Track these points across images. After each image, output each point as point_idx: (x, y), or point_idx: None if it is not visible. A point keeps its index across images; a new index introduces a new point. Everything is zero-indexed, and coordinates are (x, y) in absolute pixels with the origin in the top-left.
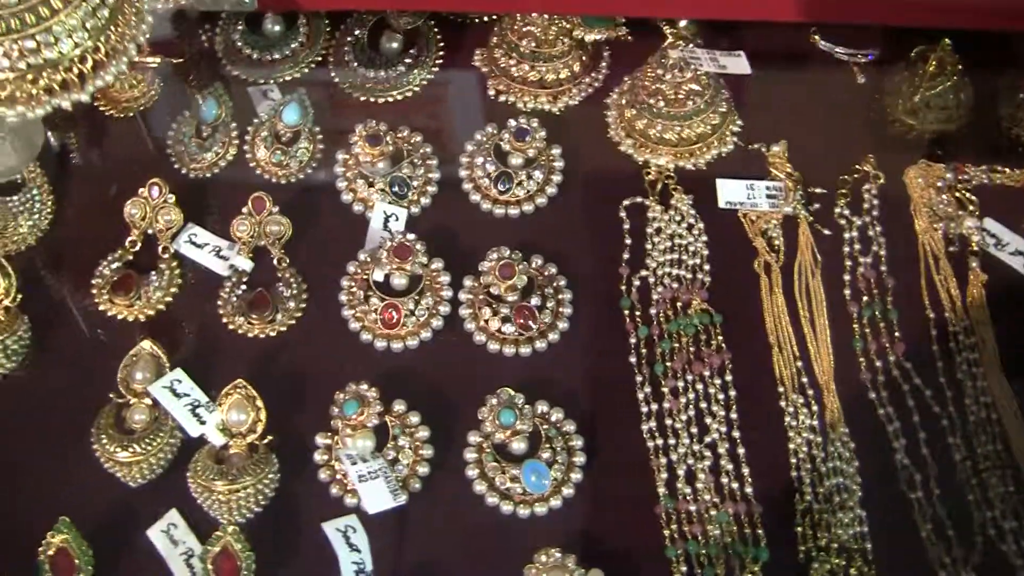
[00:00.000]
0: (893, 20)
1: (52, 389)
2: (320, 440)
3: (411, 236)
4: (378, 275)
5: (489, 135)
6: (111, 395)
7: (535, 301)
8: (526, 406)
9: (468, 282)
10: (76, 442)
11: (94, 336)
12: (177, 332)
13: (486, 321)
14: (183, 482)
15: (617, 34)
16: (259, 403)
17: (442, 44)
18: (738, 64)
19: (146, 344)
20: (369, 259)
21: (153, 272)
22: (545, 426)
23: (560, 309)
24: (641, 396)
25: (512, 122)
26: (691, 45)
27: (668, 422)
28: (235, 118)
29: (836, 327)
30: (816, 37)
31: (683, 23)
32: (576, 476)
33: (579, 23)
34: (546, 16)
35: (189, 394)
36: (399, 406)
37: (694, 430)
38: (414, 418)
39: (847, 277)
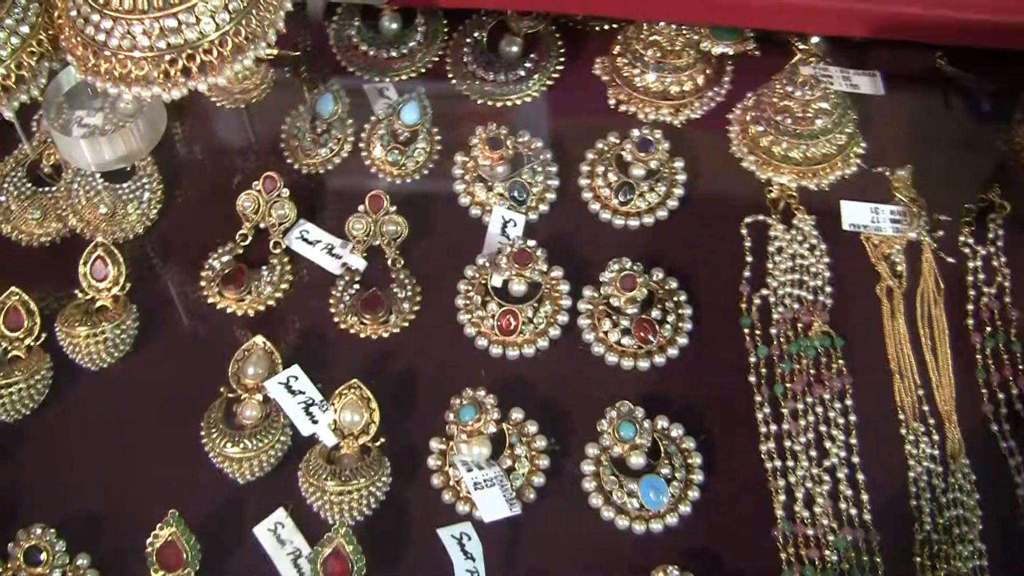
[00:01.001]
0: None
1: (159, 380)
2: (435, 445)
3: (531, 242)
4: (496, 280)
5: (611, 145)
6: (222, 389)
7: (655, 314)
8: (645, 420)
9: (588, 292)
10: (184, 435)
11: (202, 329)
12: (286, 329)
13: (605, 332)
14: (290, 481)
15: (745, 48)
16: (373, 404)
17: (562, 51)
18: (872, 84)
19: (259, 339)
20: (488, 264)
21: (264, 267)
22: (665, 442)
23: (680, 324)
24: (760, 416)
25: (635, 132)
26: (822, 63)
27: (787, 444)
28: (350, 115)
29: (958, 357)
30: (942, 62)
31: (814, 40)
32: (694, 494)
33: (707, 34)
34: (673, 26)
35: (304, 392)
36: (517, 414)
37: (813, 453)
38: (532, 427)
39: (970, 307)
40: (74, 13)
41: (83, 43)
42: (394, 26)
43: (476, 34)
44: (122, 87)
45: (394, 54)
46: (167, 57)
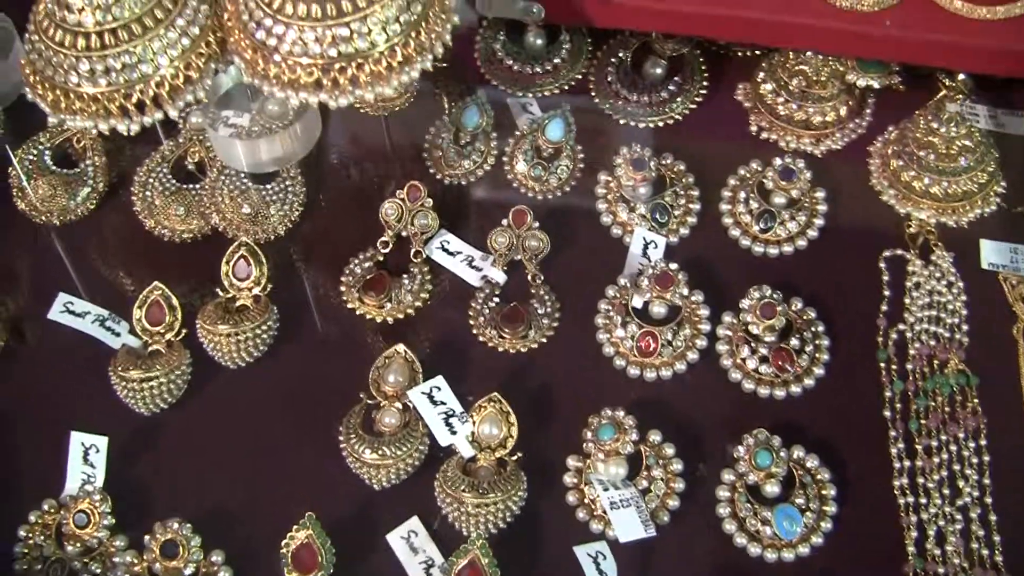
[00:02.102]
0: None
1: (297, 381)
2: (571, 462)
3: (674, 265)
4: (637, 301)
5: (753, 171)
6: (362, 395)
7: (794, 344)
8: (782, 450)
9: (727, 318)
10: (320, 438)
11: (340, 333)
12: (424, 338)
13: (743, 359)
14: (424, 490)
15: (891, 82)
16: (512, 418)
17: (706, 74)
18: (1019, 125)
19: (400, 347)
20: (629, 284)
21: (404, 275)
22: (800, 471)
23: (817, 355)
24: (894, 451)
25: (778, 161)
26: (968, 100)
27: (920, 480)
28: (493, 128)
29: None
30: None
31: (961, 76)
32: (827, 525)
33: (853, 66)
34: (820, 56)
35: (445, 403)
36: (655, 436)
37: (946, 491)
38: (669, 450)
39: None
40: (245, 17)
41: (252, 47)
42: (539, 42)
43: (620, 54)
44: (290, 92)
45: (538, 70)
46: (337, 65)
